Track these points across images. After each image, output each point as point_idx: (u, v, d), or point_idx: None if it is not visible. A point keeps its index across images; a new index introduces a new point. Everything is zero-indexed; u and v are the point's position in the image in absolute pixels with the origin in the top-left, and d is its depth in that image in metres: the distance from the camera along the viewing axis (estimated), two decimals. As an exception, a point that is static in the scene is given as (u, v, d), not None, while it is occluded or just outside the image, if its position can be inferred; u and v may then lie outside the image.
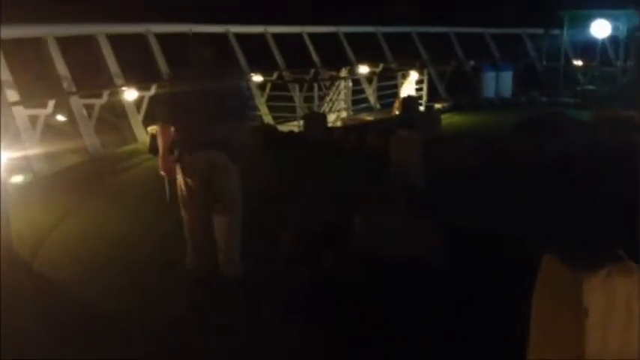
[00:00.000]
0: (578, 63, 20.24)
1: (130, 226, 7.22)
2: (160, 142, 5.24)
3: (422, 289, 5.18)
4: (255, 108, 14.58)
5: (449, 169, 9.11)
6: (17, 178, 8.42)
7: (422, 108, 16.15)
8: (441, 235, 5.82)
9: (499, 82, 19.85)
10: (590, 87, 18.01)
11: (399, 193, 7.96)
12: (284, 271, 5.70)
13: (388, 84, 17.39)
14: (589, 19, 18.37)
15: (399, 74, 16.65)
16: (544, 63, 20.81)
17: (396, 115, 15.67)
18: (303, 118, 13.19)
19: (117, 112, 12.31)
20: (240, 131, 5.33)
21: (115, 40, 12.45)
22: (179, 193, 5.26)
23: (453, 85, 20.06)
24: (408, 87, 16.66)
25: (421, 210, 6.85)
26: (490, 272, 5.29)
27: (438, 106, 16.99)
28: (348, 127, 12.97)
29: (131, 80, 12.43)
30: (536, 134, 10.63)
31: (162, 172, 5.34)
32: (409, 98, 15.72)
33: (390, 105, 17.09)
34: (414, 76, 16.75)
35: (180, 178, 5.18)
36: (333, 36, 19.27)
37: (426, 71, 17.33)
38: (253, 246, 5.85)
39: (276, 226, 6.53)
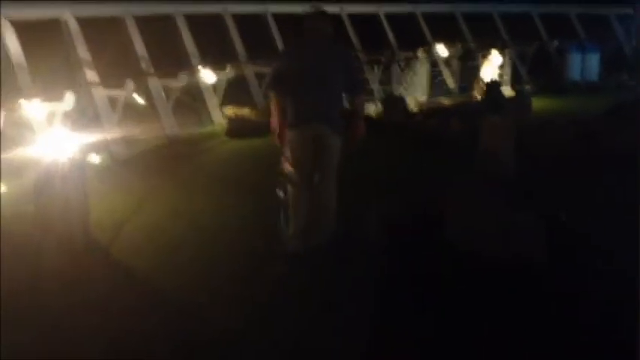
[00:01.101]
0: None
1: (213, 211, 7.01)
2: (272, 111, 5.46)
3: (528, 289, 4.72)
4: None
5: (540, 156, 8.51)
6: (94, 159, 8.27)
7: (504, 90, 15.37)
8: (544, 229, 5.34)
9: (585, 64, 18.80)
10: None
11: (491, 183, 7.44)
12: (372, 265, 5.32)
13: (468, 66, 16.63)
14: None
15: (480, 55, 15.86)
16: (634, 44, 19.56)
17: (477, 98, 14.99)
18: (381, 101, 12.69)
19: (193, 93, 12.11)
20: (356, 105, 5.64)
21: (191, 19, 12.24)
22: (287, 164, 5.41)
23: (536, 66, 19.10)
24: (489, 69, 15.88)
25: (516, 201, 6.37)
26: (600, 272, 4.81)
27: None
28: (428, 111, 12.42)
29: (207, 61, 12.21)
30: (629, 121, 9.89)
31: (277, 142, 5.48)
32: (491, 81, 15.00)
33: (470, 88, 16.38)
34: (495, 57, 15.94)
35: (288, 151, 5.36)
36: (409, 15, 18.63)
37: (507, 52, 16.46)
38: (341, 238, 5.55)
39: (363, 217, 6.19)
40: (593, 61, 18.93)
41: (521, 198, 6.63)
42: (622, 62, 19.85)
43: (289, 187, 5.47)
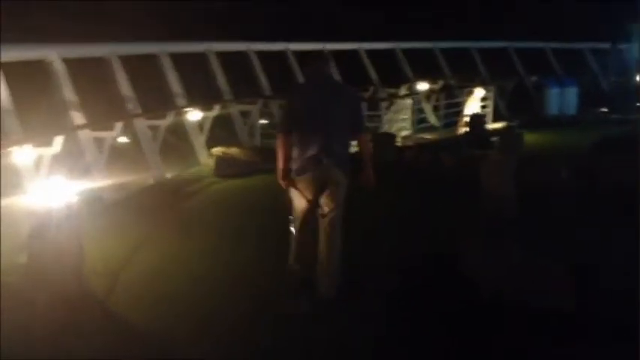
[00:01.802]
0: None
1: (208, 257, 6.72)
2: (279, 152, 5.32)
3: (562, 343, 4.51)
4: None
5: (539, 192, 8.38)
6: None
7: (487, 126, 15.43)
8: (570, 275, 5.16)
9: (563, 99, 18.98)
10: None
11: (497, 222, 7.28)
12: (387, 311, 5.09)
13: (450, 102, 16.69)
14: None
15: (465, 91, 15.93)
16: (612, 79, 19.84)
17: (462, 133, 14.99)
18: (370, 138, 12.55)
19: (178, 133, 11.88)
20: (364, 151, 5.57)
21: (175, 59, 12.06)
22: (293, 204, 5.34)
23: (514, 101, 19.25)
24: (473, 104, 15.94)
25: (528, 243, 6.21)
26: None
27: (501, 124, 16.25)
28: (417, 147, 12.33)
29: (192, 100, 12.01)
30: (622, 155, 9.87)
31: (280, 182, 5.35)
32: (476, 116, 15.04)
33: (452, 124, 16.41)
34: (479, 92, 16.02)
35: (295, 190, 5.28)
36: (389, 52, 18.73)
37: (491, 88, 16.56)
38: (348, 281, 5.36)
39: (370, 259, 5.97)
40: (571, 95, 19.14)
41: (533, 239, 6.46)
42: (599, 96, 20.12)
43: (295, 225, 5.40)
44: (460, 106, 16.81)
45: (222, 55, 13.47)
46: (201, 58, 13.10)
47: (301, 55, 15.60)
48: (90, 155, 8.97)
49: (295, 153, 5.26)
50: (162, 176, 10.40)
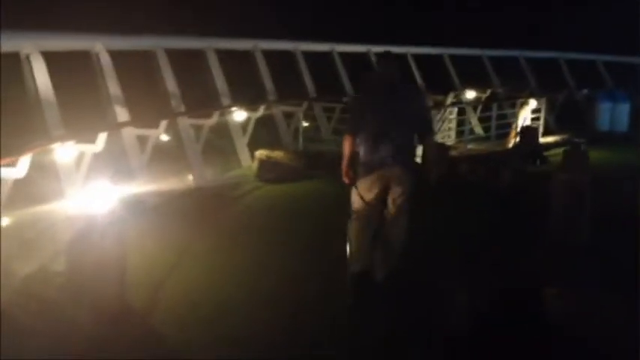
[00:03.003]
0: None
1: (255, 266, 6.26)
2: (345, 151, 5.42)
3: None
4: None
5: (609, 216, 7.72)
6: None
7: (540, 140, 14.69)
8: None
9: (615, 114, 18.12)
10: None
11: (572, 251, 6.64)
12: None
13: (499, 112, 15.97)
14: None
15: (518, 102, 15.21)
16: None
17: (513, 146, 14.27)
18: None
19: (220, 133, 11.37)
20: (428, 150, 5.64)
21: (221, 56, 11.57)
22: (355, 203, 5.44)
23: (564, 115, 18.47)
24: (524, 116, 15.20)
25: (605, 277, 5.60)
26: None
27: (554, 138, 15.50)
28: (471, 160, 11.65)
29: (237, 99, 11.51)
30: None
31: (345, 180, 5.41)
32: (529, 129, 14.30)
33: (500, 135, 15.69)
34: (532, 104, 15.29)
35: (358, 190, 5.39)
36: (436, 58, 18.12)
37: (544, 100, 15.82)
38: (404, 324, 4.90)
39: (429, 298, 5.38)
40: (623, 110, 18.21)
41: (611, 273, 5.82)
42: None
43: (354, 222, 5.50)
44: (508, 117, 16.12)
45: (268, 54, 12.96)
46: (246, 56, 12.60)
47: (347, 56, 15.09)
48: (132, 154, 8.48)
49: (362, 153, 5.40)
50: (204, 178, 9.89)
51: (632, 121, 18.10)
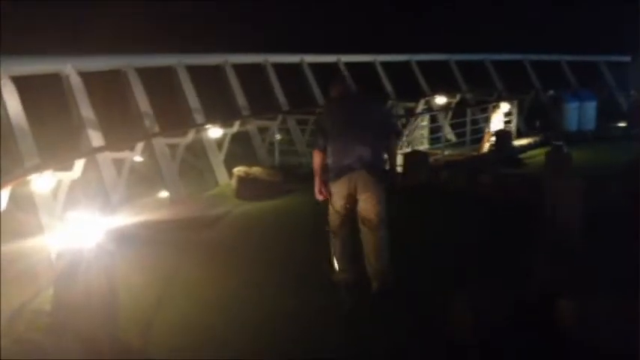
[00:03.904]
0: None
1: (246, 297, 5.95)
2: (315, 168, 5.69)
3: None
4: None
5: (603, 218, 7.64)
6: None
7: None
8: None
9: (582, 114, 18.27)
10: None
11: (564, 255, 6.53)
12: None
13: (473, 117, 15.94)
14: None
15: (490, 106, 15.22)
16: (632, 93, 19.20)
17: (488, 151, 14.29)
18: (402, 156, 11.72)
19: (196, 151, 11.09)
20: (390, 154, 5.76)
21: (191, 72, 11.29)
22: (330, 215, 5.63)
23: (531, 117, 18.58)
24: (496, 120, 15.22)
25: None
26: None
27: (527, 141, 15.56)
28: (449, 166, 11.57)
29: (211, 116, 11.24)
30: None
31: (318, 197, 5.65)
32: (502, 133, 14.33)
33: (473, 140, 15.66)
34: (504, 107, 15.31)
35: (331, 201, 5.59)
36: (403, 65, 18.06)
37: (515, 103, 15.87)
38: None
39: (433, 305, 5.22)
40: (590, 109, 18.36)
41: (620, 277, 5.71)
42: (616, 110, 19.51)
43: (334, 239, 5.68)
44: (479, 122, 16.14)
45: (239, 68, 12.72)
46: (216, 70, 12.33)
47: (317, 66, 14.93)
48: (109, 179, 8.15)
49: (330, 164, 5.56)
50: (182, 200, 9.59)
51: (598, 119, 18.35)
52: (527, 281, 5.74)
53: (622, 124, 18.60)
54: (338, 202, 5.55)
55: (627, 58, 19.36)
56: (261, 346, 4.88)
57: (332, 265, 5.70)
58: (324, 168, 5.61)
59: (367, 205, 5.51)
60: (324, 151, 5.57)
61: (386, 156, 5.82)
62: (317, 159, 5.64)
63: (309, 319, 5.26)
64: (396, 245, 5.71)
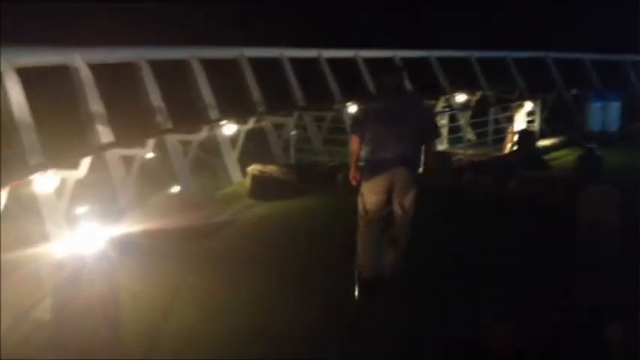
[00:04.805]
0: None
1: (257, 306, 5.60)
2: (352, 152, 5.81)
3: None
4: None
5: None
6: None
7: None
8: None
9: (606, 114, 17.72)
10: None
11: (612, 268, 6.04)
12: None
13: (496, 117, 15.40)
14: None
15: (513, 105, 14.67)
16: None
17: (511, 151, 13.76)
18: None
19: (209, 148, 10.68)
20: (427, 155, 5.71)
21: (206, 65, 10.86)
22: (361, 205, 5.63)
23: (554, 116, 17.99)
24: (520, 119, 14.68)
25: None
26: None
27: (550, 141, 15.02)
28: (474, 168, 11.05)
29: (225, 112, 10.81)
30: None
31: (352, 182, 5.71)
32: (526, 133, 13.81)
33: (495, 140, 15.14)
34: (527, 106, 14.77)
35: (363, 192, 5.61)
36: (423, 60, 17.54)
37: (539, 102, 15.32)
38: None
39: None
40: (614, 109, 17.84)
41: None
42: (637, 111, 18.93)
43: (362, 227, 5.66)
44: (500, 121, 15.60)
45: (254, 62, 12.28)
46: (232, 64, 11.90)
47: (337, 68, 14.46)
48: (117, 177, 7.74)
49: (366, 155, 5.59)
50: (194, 199, 9.16)
51: (622, 120, 17.77)
52: (570, 302, 5.32)
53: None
54: (372, 197, 5.55)
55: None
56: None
57: (355, 259, 5.67)
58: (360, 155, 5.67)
59: (402, 202, 5.54)
60: (363, 136, 5.60)
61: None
62: (355, 144, 5.68)
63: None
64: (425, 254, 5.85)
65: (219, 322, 5.31)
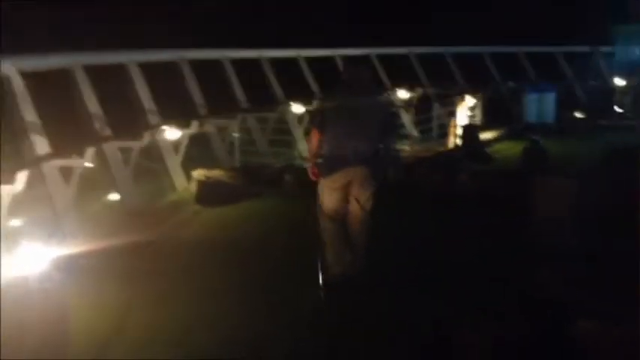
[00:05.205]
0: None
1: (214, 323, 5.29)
2: (311, 147, 5.79)
3: None
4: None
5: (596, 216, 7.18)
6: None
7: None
8: None
9: (542, 106, 18.08)
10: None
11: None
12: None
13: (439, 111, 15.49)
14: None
15: (456, 99, 14.74)
16: (592, 83, 19.06)
17: (455, 146, 13.81)
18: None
19: (150, 155, 10.30)
20: (387, 150, 5.73)
21: (146, 69, 10.46)
22: (321, 202, 5.64)
23: (491, 109, 18.21)
24: (462, 114, 14.79)
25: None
26: None
27: (492, 134, 15.18)
28: (423, 164, 11.01)
29: (166, 117, 10.45)
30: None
31: (312, 177, 5.70)
32: (470, 127, 13.91)
33: (437, 136, 15.22)
34: (469, 101, 14.89)
35: (322, 189, 5.62)
36: (362, 59, 17.43)
37: (480, 96, 15.47)
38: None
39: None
40: (550, 101, 18.22)
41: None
42: (575, 101, 19.39)
43: (327, 225, 5.64)
44: (442, 116, 15.69)
45: (194, 65, 11.93)
46: (170, 67, 11.53)
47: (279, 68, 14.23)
48: (56, 190, 7.32)
49: (325, 151, 5.60)
50: (138, 208, 8.80)
51: (558, 110, 18.12)
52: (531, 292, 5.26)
53: (581, 115, 18.51)
54: (331, 194, 5.56)
55: (586, 49, 19.16)
56: None
57: (321, 258, 5.63)
58: (319, 150, 5.64)
59: (359, 199, 5.54)
60: (322, 132, 5.56)
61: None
62: (314, 138, 5.65)
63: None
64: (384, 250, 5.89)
65: (171, 338, 5.02)
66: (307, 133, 12.62)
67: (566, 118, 18.04)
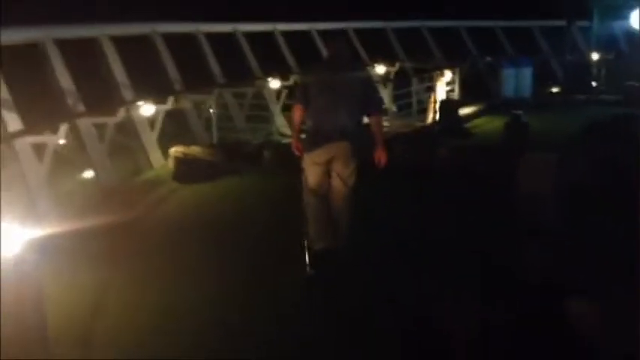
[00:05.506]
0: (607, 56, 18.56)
1: (192, 288, 5.33)
2: (293, 122, 5.81)
3: None
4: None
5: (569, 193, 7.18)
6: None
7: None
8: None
9: (519, 80, 18.08)
10: (636, 83, 16.26)
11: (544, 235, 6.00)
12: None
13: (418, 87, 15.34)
14: (627, 8, 16.77)
15: (434, 74, 14.62)
16: (567, 58, 19.08)
17: (433, 121, 13.75)
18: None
19: (126, 131, 10.09)
20: (376, 130, 5.68)
21: (119, 43, 10.20)
22: (305, 177, 5.63)
23: (469, 84, 18.17)
24: (440, 89, 14.69)
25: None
26: None
27: (471, 109, 15.14)
28: (403, 140, 10.92)
29: (141, 92, 10.22)
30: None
31: (294, 150, 5.68)
32: (448, 102, 13.84)
33: (422, 111, 15.09)
34: (447, 76, 14.80)
35: (305, 164, 5.61)
36: (339, 33, 17.27)
37: (457, 71, 15.40)
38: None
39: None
40: (527, 76, 18.22)
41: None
42: (552, 76, 19.44)
43: (310, 200, 5.63)
44: (420, 92, 15.58)
45: (168, 38, 11.68)
46: (144, 41, 11.26)
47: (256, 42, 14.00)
48: (29, 168, 7.12)
49: (308, 126, 5.62)
50: (112, 185, 8.61)
51: (534, 85, 18.15)
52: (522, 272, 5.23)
53: (557, 90, 18.58)
54: (314, 168, 5.53)
55: (562, 23, 19.14)
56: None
57: (306, 233, 5.62)
58: (301, 126, 5.68)
59: (341, 174, 5.52)
60: (305, 107, 5.56)
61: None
62: (297, 114, 5.66)
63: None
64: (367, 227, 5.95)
65: (150, 318, 4.92)
66: (286, 109, 12.72)
67: (543, 92, 18.12)
